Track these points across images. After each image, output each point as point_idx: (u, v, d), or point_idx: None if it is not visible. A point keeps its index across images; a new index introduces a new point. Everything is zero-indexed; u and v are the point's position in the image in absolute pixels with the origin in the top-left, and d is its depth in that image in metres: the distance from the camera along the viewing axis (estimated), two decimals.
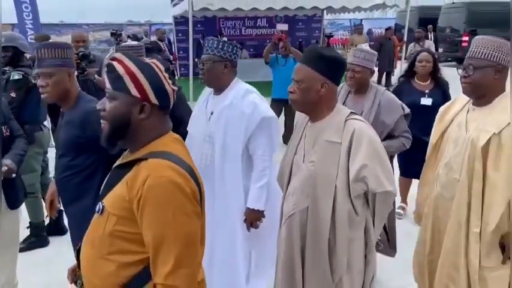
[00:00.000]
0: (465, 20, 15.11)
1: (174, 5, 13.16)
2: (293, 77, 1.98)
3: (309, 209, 1.94)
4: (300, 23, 14.62)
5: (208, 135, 2.56)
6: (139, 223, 1.33)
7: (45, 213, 3.94)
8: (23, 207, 3.67)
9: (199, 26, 13.55)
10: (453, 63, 16.09)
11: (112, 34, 8.01)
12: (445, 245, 2.14)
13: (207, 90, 2.77)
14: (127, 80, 1.37)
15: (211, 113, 2.58)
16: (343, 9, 12.16)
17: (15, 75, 3.42)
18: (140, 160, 1.38)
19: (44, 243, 3.85)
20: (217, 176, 2.53)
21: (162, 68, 1.43)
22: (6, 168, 2.47)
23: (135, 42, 3.37)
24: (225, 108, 2.53)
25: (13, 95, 3.37)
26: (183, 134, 2.32)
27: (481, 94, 2.06)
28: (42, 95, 2.31)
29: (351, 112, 1.95)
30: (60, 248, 3.81)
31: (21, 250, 3.51)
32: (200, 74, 2.63)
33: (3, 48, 3.44)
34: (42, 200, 3.82)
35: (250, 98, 2.54)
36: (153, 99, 1.40)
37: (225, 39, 2.65)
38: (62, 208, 4.01)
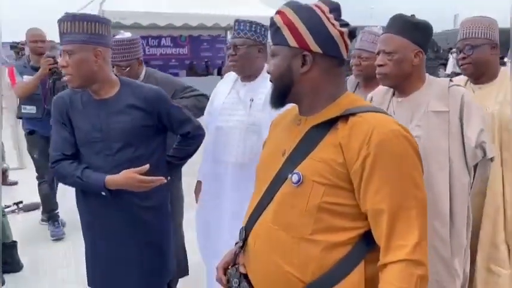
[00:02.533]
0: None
1: None
2: (382, 49, 1.83)
3: None
4: (205, 43, 14.61)
5: (252, 123, 2.28)
6: (360, 188, 1.10)
7: None
8: None
9: None
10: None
11: (12, 47, 7.33)
12: (483, 226, 2.11)
13: (228, 79, 2.49)
14: (285, 30, 1.21)
15: (251, 100, 2.31)
16: None
17: None
18: (341, 118, 1.16)
19: None
20: None
21: (326, 10, 1.21)
22: None
23: (128, 34, 2.91)
24: (269, 94, 2.28)
25: None
26: None
27: (482, 72, 2.14)
28: (64, 78, 1.87)
29: (450, 79, 1.85)
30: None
31: None
32: (230, 60, 2.35)
33: None
34: None
35: None
36: (314, 46, 1.19)
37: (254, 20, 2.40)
38: (15, 239, 3.36)
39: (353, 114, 1.15)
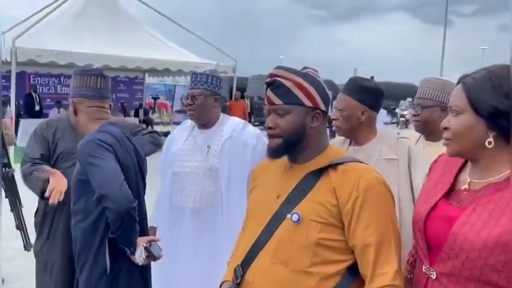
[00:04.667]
0: None
1: None
2: (336, 106, 2.10)
3: None
4: (122, 84, 14.41)
5: (209, 169, 2.38)
6: (350, 225, 1.29)
7: None
8: None
9: (4, 81, 12.01)
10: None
11: None
12: None
13: (184, 126, 2.59)
14: (297, 92, 1.38)
15: (208, 147, 2.42)
16: (167, 72, 12.29)
17: None
18: (330, 167, 1.35)
19: None
20: (224, 213, 2.34)
21: (317, 73, 1.44)
22: None
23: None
24: (226, 140, 2.42)
25: None
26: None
27: (431, 131, 2.32)
28: None
29: (398, 132, 2.14)
30: None
31: None
32: (188, 109, 2.46)
33: None
34: None
35: (251, 130, 2.51)
36: (322, 105, 1.41)
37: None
38: None
39: (341, 163, 1.35)
